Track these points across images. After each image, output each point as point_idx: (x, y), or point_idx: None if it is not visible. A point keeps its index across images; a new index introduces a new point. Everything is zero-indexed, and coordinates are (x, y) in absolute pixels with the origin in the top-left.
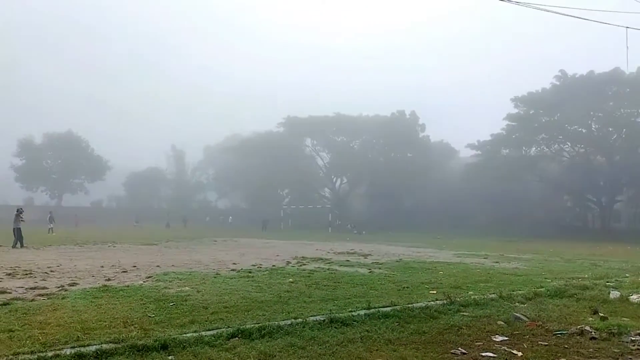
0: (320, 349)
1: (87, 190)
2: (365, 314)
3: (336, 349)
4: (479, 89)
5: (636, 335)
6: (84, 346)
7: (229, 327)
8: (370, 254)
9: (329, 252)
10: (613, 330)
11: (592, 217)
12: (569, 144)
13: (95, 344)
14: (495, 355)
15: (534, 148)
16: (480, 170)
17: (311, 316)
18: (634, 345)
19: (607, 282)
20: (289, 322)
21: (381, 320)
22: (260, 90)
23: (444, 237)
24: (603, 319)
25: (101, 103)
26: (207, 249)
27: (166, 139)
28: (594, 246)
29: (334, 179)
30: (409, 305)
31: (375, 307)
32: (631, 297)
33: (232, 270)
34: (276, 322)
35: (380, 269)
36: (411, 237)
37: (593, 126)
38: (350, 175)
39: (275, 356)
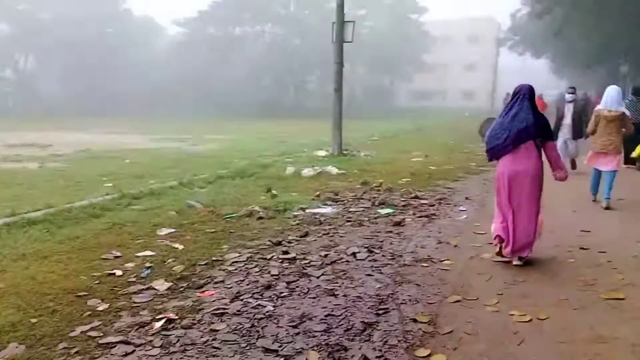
0: None
1: None
2: (4, 224)
3: None
4: None
5: (298, 210)
6: None
7: None
8: (51, 145)
9: None
10: (280, 208)
11: (289, 96)
12: (270, 24)
13: None
14: (153, 253)
15: (239, 28)
16: (187, 49)
17: None
18: (294, 221)
19: (287, 158)
20: None
21: (24, 230)
22: None
23: (151, 121)
24: (274, 196)
25: None
26: None
27: None
28: (288, 123)
29: (18, 57)
30: (68, 206)
31: (20, 214)
32: (303, 171)
33: None
34: None
35: (56, 162)
36: (113, 122)
37: (292, 7)
38: (39, 52)
39: None
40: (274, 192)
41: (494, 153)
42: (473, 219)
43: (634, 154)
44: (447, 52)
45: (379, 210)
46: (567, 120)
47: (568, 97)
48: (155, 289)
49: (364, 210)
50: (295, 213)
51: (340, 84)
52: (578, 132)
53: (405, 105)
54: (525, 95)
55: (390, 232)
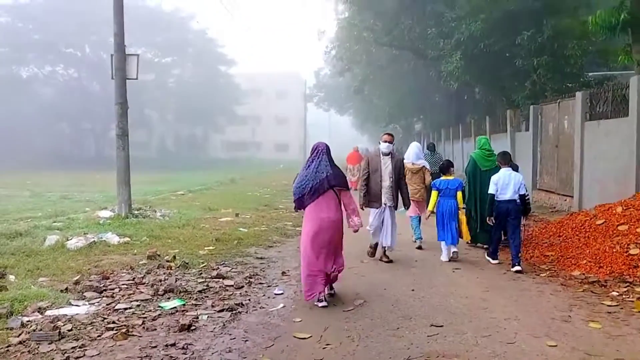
0: None
1: None
2: None
3: None
4: None
5: (33, 313)
6: None
7: None
8: None
9: None
10: (2, 310)
11: (89, 144)
12: (62, 65)
13: None
14: None
15: (25, 68)
16: None
17: None
18: (17, 335)
19: (56, 221)
20: None
21: None
22: None
23: None
24: (2, 289)
25: None
26: None
27: None
28: (82, 175)
29: None
30: None
31: None
32: (69, 241)
33: None
34: None
35: None
36: None
37: (87, 50)
38: None
39: None
40: (10, 277)
41: (301, 202)
42: (292, 309)
43: (428, 209)
44: (259, 105)
45: (162, 304)
46: (386, 181)
47: (384, 147)
48: None
49: (139, 306)
50: (28, 318)
51: (125, 129)
52: (400, 198)
53: (220, 156)
54: (323, 150)
55: (172, 345)
